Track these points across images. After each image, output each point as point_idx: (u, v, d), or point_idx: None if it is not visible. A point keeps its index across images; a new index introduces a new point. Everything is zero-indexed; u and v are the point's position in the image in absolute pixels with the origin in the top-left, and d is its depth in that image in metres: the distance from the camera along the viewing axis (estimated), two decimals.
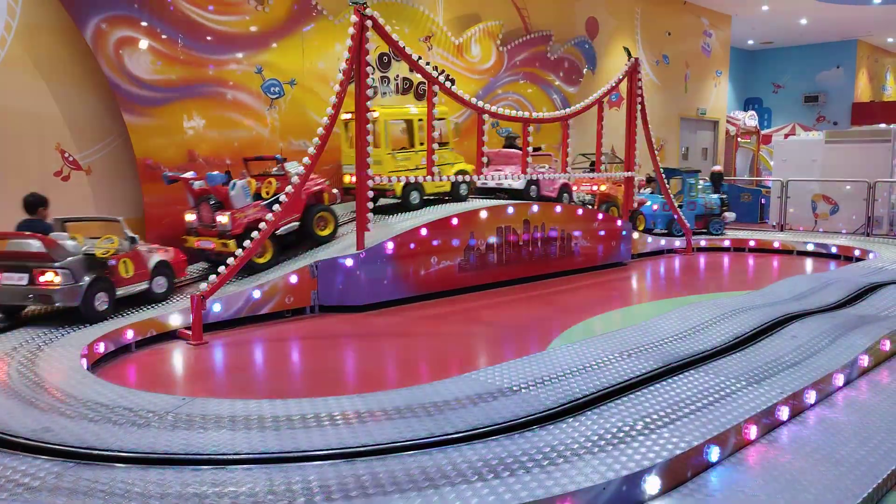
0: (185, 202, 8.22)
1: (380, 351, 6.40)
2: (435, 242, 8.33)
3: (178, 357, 6.01)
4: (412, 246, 8.11)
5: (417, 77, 11.06)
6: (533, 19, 13.86)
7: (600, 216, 10.72)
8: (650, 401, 4.18)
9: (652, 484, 3.25)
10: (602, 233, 10.65)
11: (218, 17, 9.01)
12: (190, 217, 7.90)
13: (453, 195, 9.74)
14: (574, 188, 11.84)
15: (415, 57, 8.35)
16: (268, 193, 7.88)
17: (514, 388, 4.41)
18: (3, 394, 4.40)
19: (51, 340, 5.65)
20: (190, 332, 6.32)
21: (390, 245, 7.87)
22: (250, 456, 3.45)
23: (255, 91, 9.44)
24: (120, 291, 6.49)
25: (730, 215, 13.97)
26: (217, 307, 6.67)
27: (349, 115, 8.64)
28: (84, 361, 5.26)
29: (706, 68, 19.27)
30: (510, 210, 9.20)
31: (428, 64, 8.60)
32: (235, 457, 3.44)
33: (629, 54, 11.69)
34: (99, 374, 5.20)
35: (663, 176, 12.38)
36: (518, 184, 10.53)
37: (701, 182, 13.79)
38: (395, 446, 3.54)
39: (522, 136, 9.84)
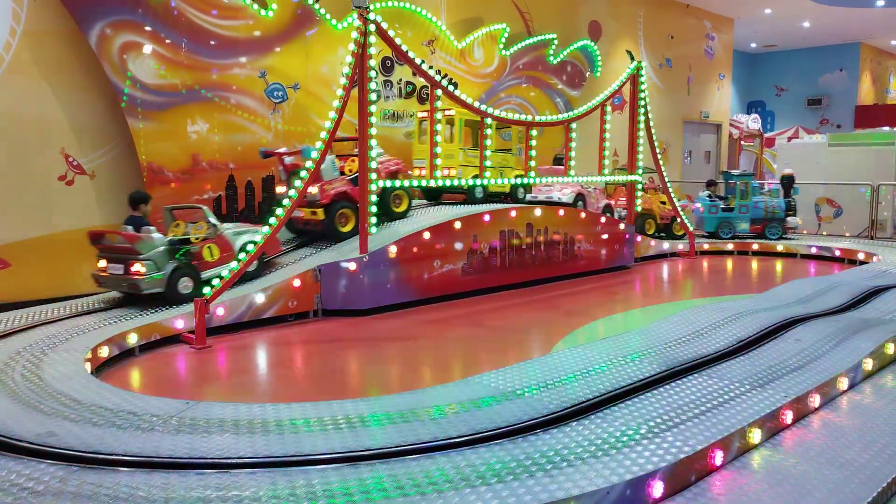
0: None
1: (383, 355, 6.40)
2: (438, 246, 8.34)
3: (181, 361, 6.02)
4: (415, 250, 8.11)
5: (420, 81, 11.09)
6: (536, 23, 13.88)
7: (603, 219, 10.71)
8: (654, 405, 4.17)
9: (656, 488, 3.24)
10: (605, 236, 10.64)
11: (221, 22, 9.04)
12: (280, 190, 8.49)
13: (512, 196, 10.32)
14: (613, 202, 12.54)
15: (418, 61, 8.36)
16: (350, 171, 8.56)
17: (518, 392, 4.40)
18: (7, 398, 4.41)
19: (55, 345, 5.66)
20: (193, 336, 6.33)
21: (393, 249, 7.87)
22: (254, 460, 3.45)
23: (259, 95, 9.47)
24: (207, 274, 7.02)
25: (793, 220, 13.51)
26: (220, 311, 6.68)
27: (424, 114, 9.29)
28: (88, 365, 5.27)
29: (709, 71, 19.28)
30: (513, 213, 9.20)
31: (431, 68, 8.62)
32: (239, 461, 3.44)
33: (632, 57, 11.70)
34: (103, 379, 5.21)
35: (666, 179, 12.37)
36: (566, 198, 11.32)
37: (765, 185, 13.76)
38: (399, 450, 3.54)
39: (525, 140, 9.85)
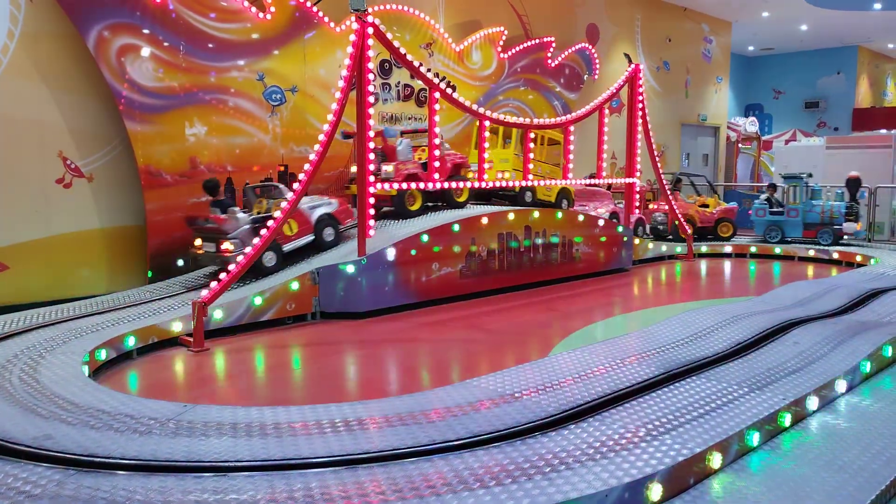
0: (184, 209, 8.55)
1: (381, 358, 6.39)
2: (436, 249, 8.34)
3: (179, 364, 6.01)
4: (413, 252, 8.11)
5: (419, 83, 11.10)
6: (534, 26, 13.90)
7: (601, 222, 10.72)
8: (652, 407, 4.17)
9: (654, 491, 3.24)
10: (603, 239, 10.65)
11: (219, 25, 9.04)
12: (355, 168, 8.58)
13: (555, 205, 10.90)
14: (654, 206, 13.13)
15: (416, 64, 8.37)
16: (420, 159, 9.15)
17: (516, 395, 4.40)
18: (4, 401, 4.40)
19: (52, 348, 5.65)
20: (191, 339, 6.32)
21: (392, 251, 7.87)
22: (252, 463, 3.45)
23: (257, 98, 9.47)
24: (288, 247, 7.83)
25: (850, 226, 12.81)
26: (218, 314, 6.67)
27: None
28: (85, 368, 5.26)
29: (707, 74, 19.31)
30: (511, 216, 9.21)
31: (429, 71, 8.62)
32: (237, 464, 3.44)
33: (630, 60, 11.72)
34: (100, 382, 5.20)
35: (663, 180, 12.39)
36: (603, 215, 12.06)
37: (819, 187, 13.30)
38: (397, 453, 3.54)
39: (524, 143, 9.85)
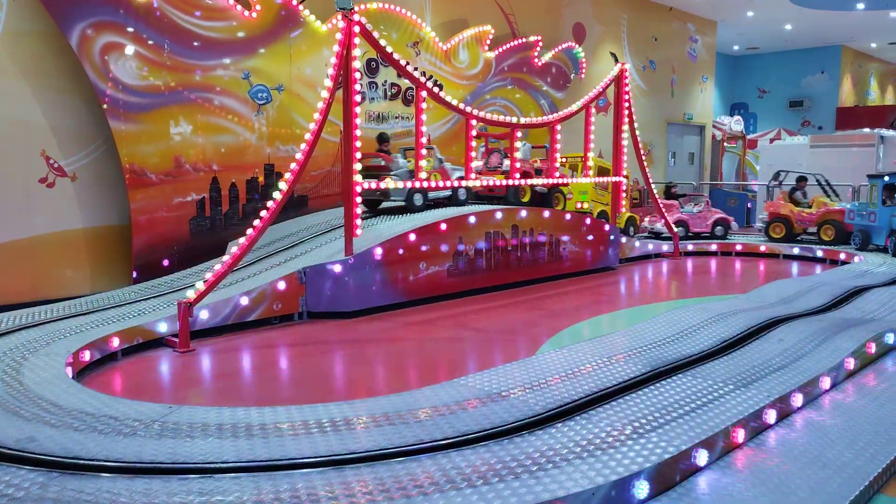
0: (169, 208, 8.61)
1: (368, 357, 6.38)
2: (423, 248, 8.33)
3: (164, 365, 5.96)
4: (401, 251, 8.10)
5: (405, 82, 11.08)
6: (520, 25, 13.92)
7: (588, 221, 10.75)
8: (639, 405, 4.19)
9: (641, 488, 3.25)
10: (590, 237, 10.68)
11: (205, 23, 8.98)
12: (477, 163, 10.30)
13: (625, 232, 12.62)
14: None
15: (403, 62, 8.35)
16: (535, 161, 11.01)
17: (504, 394, 4.40)
18: None
19: (35, 349, 5.59)
20: (177, 340, 6.27)
21: (379, 251, 7.85)
22: (238, 464, 3.43)
23: (243, 97, 9.42)
24: (431, 195, 9.67)
25: None
26: (204, 314, 6.63)
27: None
28: (69, 370, 5.20)
29: (692, 74, 19.42)
30: (498, 215, 9.22)
31: (416, 70, 8.61)
32: (223, 465, 3.41)
33: (616, 59, 11.76)
34: (84, 383, 5.15)
35: (649, 179, 12.44)
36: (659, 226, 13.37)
37: None
38: (384, 453, 3.53)
39: (510, 142, 9.87)
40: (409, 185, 8.71)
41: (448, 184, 9.32)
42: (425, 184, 8.77)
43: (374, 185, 8.32)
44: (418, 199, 9.47)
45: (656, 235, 13.57)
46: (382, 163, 9.31)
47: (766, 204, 13.78)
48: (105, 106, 8.15)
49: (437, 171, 9.56)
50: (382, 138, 9.94)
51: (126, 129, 8.31)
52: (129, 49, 8.31)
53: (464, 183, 9.34)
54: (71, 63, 8.07)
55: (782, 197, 13.54)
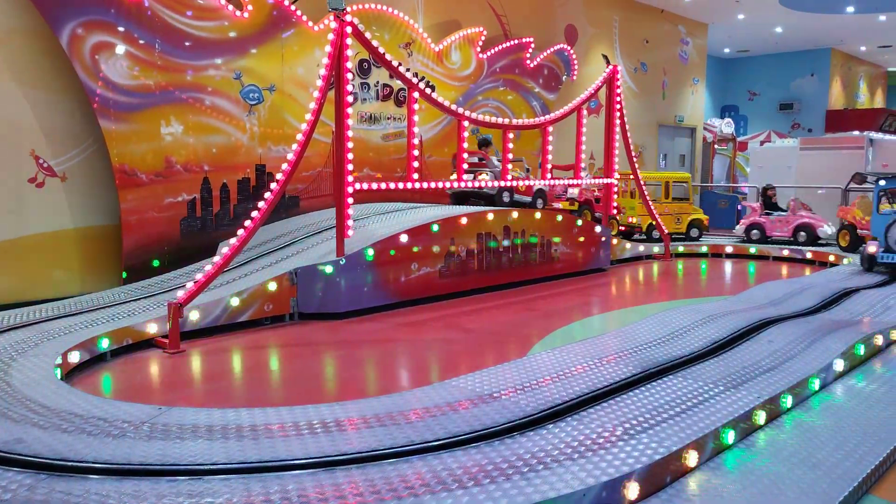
0: (159, 208, 8.58)
1: (359, 358, 6.37)
2: (415, 249, 8.33)
3: (154, 366, 5.93)
4: (392, 252, 8.09)
5: (398, 83, 11.08)
6: (513, 26, 13.94)
7: (579, 222, 10.77)
8: (629, 406, 4.19)
9: (631, 489, 3.26)
10: (582, 239, 10.70)
11: (196, 23, 8.95)
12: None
13: (685, 236, 13.83)
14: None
15: (395, 63, 8.35)
16: (597, 190, 13.02)
17: (495, 395, 4.40)
18: None
19: (24, 350, 5.55)
20: (167, 341, 6.25)
21: (370, 252, 7.84)
22: (228, 466, 3.41)
23: (234, 97, 9.39)
24: (517, 197, 10.92)
25: None
26: (194, 315, 6.60)
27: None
28: (58, 371, 5.17)
29: (683, 76, 19.50)
30: (490, 216, 9.22)
31: (408, 70, 8.61)
32: (213, 467, 3.40)
33: (607, 61, 11.79)
34: (73, 384, 5.12)
35: (640, 181, 12.48)
36: (737, 234, 14.02)
37: None
38: (375, 454, 3.52)
39: (503, 143, 9.88)
40: (497, 184, 10.08)
41: (516, 184, 10.56)
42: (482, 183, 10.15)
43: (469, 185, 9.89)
44: (505, 197, 10.69)
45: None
46: (480, 160, 10.82)
47: (839, 210, 12.87)
48: (95, 105, 8.10)
49: (522, 180, 10.95)
50: (485, 142, 11.17)
51: (116, 129, 8.27)
52: (120, 48, 8.27)
53: (538, 185, 10.83)
54: (61, 62, 8.03)
55: (856, 203, 12.65)
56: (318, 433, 3.81)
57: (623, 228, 13.81)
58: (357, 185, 7.87)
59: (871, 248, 9.65)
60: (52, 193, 8.20)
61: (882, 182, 10.11)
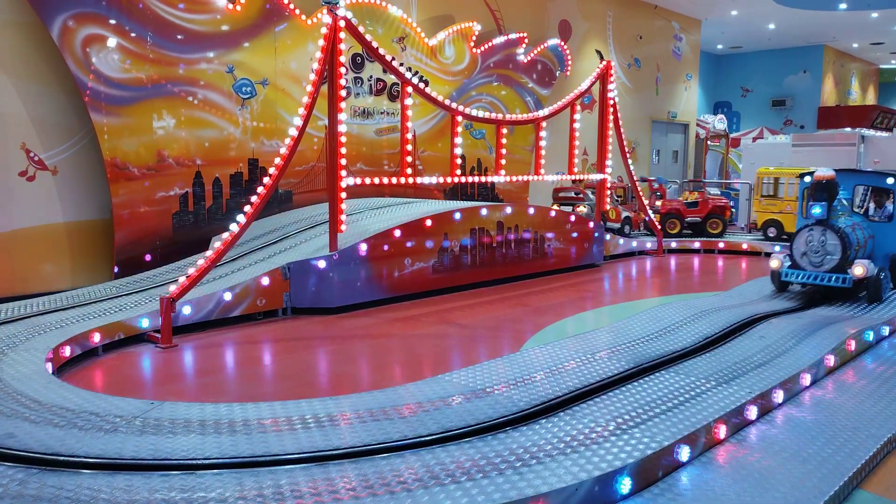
0: (151, 203, 8.51)
1: (352, 353, 6.36)
2: (409, 244, 8.32)
3: (146, 360, 5.91)
4: (385, 247, 8.08)
5: (391, 78, 11.05)
6: (506, 21, 13.92)
7: (573, 218, 10.79)
8: (622, 401, 4.21)
9: (624, 484, 3.27)
10: (575, 235, 10.72)
11: (188, 16, 8.89)
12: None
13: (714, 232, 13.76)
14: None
15: (388, 58, 8.33)
16: (685, 198, 13.91)
17: (488, 390, 4.41)
18: None
19: (15, 344, 5.52)
20: (159, 335, 6.22)
21: (363, 247, 7.83)
22: (220, 461, 3.40)
23: (227, 91, 9.34)
24: (608, 225, 12.11)
25: None
26: (187, 310, 6.58)
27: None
28: (49, 365, 5.15)
29: (677, 72, 19.51)
30: (484, 212, 9.22)
31: (402, 65, 8.59)
32: (205, 462, 3.39)
33: (601, 57, 11.79)
34: (65, 379, 5.10)
35: (633, 177, 12.50)
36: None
37: None
38: (368, 449, 3.52)
39: (496, 138, 9.87)
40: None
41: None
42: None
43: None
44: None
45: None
46: (577, 194, 13.05)
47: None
48: (86, 99, 8.05)
49: (613, 209, 12.83)
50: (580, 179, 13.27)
51: (108, 123, 8.22)
52: (112, 41, 8.21)
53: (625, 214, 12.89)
54: (52, 55, 7.97)
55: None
56: (311, 428, 3.81)
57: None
58: (351, 180, 7.84)
59: (774, 262, 7.73)
60: (42, 187, 8.14)
61: (808, 178, 8.09)
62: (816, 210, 7.35)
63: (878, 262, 7.79)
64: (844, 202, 7.94)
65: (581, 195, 12.52)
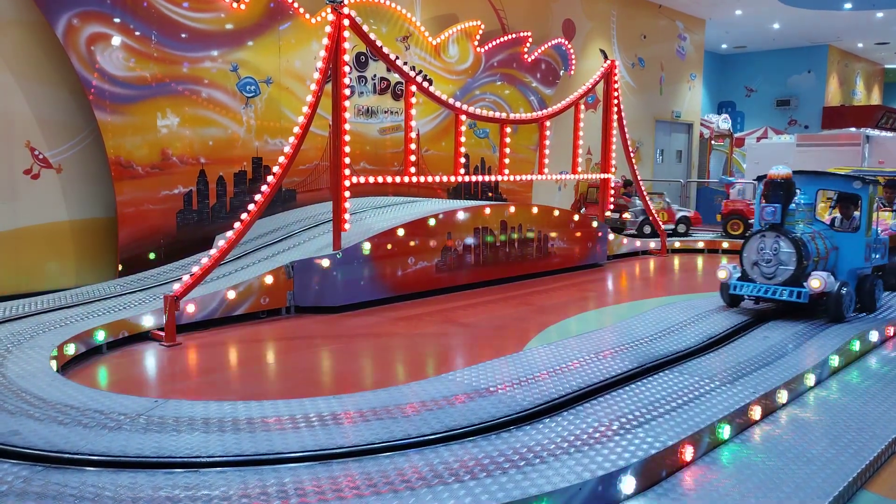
0: (155, 201, 8.53)
1: (356, 352, 6.36)
2: (412, 243, 8.32)
3: (150, 359, 5.93)
4: (389, 246, 8.08)
5: (395, 77, 11.05)
6: (510, 20, 13.91)
7: (576, 217, 10.78)
8: (626, 401, 4.20)
9: (627, 484, 3.27)
10: (578, 234, 10.71)
11: (193, 14, 8.90)
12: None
13: None
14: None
15: (392, 56, 8.33)
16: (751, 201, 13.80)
17: (491, 389, 4.41)
18: None
19: (19, 342, 5.54)
20: (163, 334, 6.23)
21: (367, 245, 7.83)
22: (224, 458, 3.41)
23: (231, 89, 9.35)
24: (664, 226, 12.58)
25: None
26: (191, 308, 6.59)
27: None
28: (54, 363, 5.16)
29: (681, 71, 19.48)
30: (487, 211, 9.22)
31: (405, 64, 8.58)
32: (209, 459, 3.40)
33: (605, 56, 11.77)
34: (69, 376, 5.11)
35: (637, 176, 12.48)
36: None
37: None
38: (371, 448, 3.52)
39: (500, 137, 9.87)
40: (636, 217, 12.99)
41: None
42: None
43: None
44: (647, 229, 13.30)
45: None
46: (623, 203, 13.76)
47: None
48: (91, 97, 8.06)
49: (665, 210, 13.39)
50: (627, 182, 13.41)
51: (112, 121, 8.23)
52: (116, 40, 8.22)
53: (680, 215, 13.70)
54: (57, 53, 7.98)
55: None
56: (314, 426, 3.81)
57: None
58: (354, 179, 7.85)
59: (721, 272, 6.90)
60: (47, 185, 8.16)
61: (759, 183, 7.04)
62: (770, 212, 6.48)
63: (841, 278, 6.75)
64: (805, 207, 6.88)
65: (626, 204, 12.74)
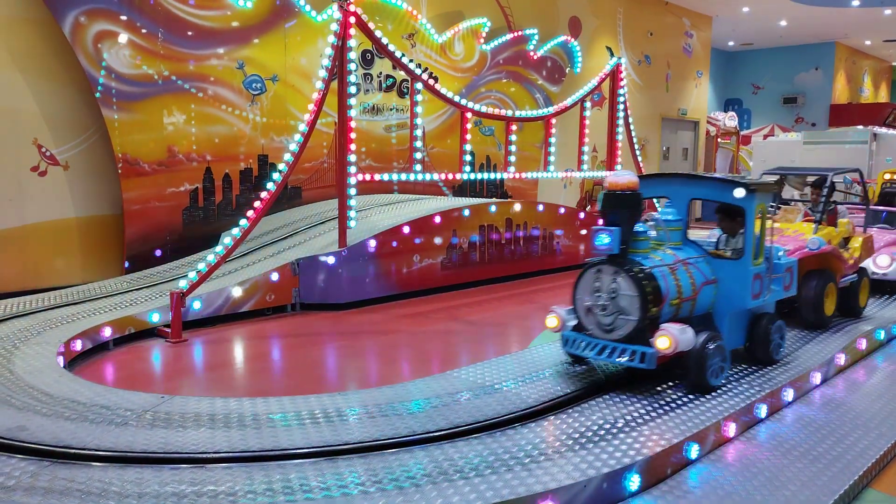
0: (161, 198, 8.51)
1: (361, 349, 6.37)
2: (417, 240, 8.32)
3: (156, 355, 5.95)
4: (394, 244, 8.09)
5: (401, 74, 11.04)
6: (516, 17, 13.88)
7: (582, 215, 10.76)
8: (631, 398, 4.19)
9: (632, 481, 3.27)
10: (584, 232, 10.69)
11: (199, 12, 8.92)
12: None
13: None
14: None
15: (398, 54, 8.32)
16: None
17: (497, 387, 4.41)
18: None
19: (26, 338, 5.56)
20: (169, 330, 6.26)
21: (372, 243, 7.84)
22: (230, 454, 3.42)
23: (237, 87, 9.36)
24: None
25: None
26: (197, 305, 6.61)
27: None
28: (61, 359, 5.18)
29: (687, 69, 19.42)
30: (493, 208, 9.21)
31: (411, 61, 8.59)
32: (215, 455, 3.41)
33: (612, 54, 11.74)
34: (76, 373, 5.13)
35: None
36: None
37: None
38: (377, 444, 3.53)
39: (505, 135, 9.85)
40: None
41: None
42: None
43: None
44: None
45: None
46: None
47: None
48: (98, 95, 8.09)
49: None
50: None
51: (119, 118, 8.25)
52: (123, 37, 8.24)
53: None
54: (64, 51, 8.00)
55: None
56: (320, 423, 3.82)
57: None
58: (360, 176, 7.85)
59: (551, 320, 4.75)
60: (54, 182, 8.19)
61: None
62: (603, 239, 4.42)
63: (721, 323, 4.78)
64: (673, 224, 4.88)
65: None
